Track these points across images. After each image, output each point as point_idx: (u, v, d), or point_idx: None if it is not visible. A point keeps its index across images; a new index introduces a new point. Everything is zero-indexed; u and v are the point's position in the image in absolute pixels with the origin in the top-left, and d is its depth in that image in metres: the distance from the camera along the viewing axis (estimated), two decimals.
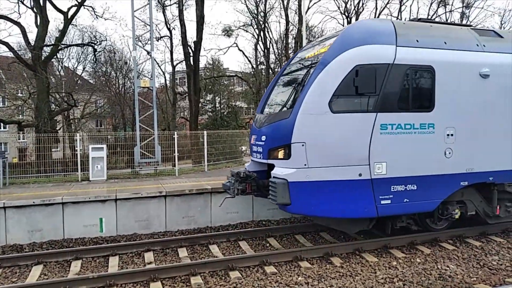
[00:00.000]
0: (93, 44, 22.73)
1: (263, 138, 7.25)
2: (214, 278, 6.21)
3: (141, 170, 13.20)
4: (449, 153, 7.13)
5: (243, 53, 42.68)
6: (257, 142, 7.52)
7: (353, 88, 6.52)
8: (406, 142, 6.83)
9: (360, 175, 6.61)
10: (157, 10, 24.93)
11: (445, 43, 7.25)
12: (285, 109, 7.18)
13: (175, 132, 13.06)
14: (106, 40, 30.42)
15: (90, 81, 36.28)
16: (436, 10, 29.20)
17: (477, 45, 7.54)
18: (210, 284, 5.99)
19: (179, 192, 9.31)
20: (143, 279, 6.09)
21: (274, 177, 6.70)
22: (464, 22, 28.99)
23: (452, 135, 7.15)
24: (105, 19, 36.43)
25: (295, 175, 6.45)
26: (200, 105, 27.28)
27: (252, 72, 33.61)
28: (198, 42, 22.26)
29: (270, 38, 31.01)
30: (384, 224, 7.62)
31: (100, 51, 27.52)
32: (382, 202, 6.77)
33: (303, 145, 6.46)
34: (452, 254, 7.06)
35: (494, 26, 29.80)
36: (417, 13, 31.01)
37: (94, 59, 27.91)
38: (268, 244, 7.92)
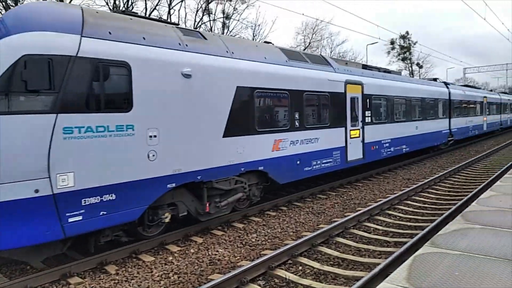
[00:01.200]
0: None
1: None
2: None
3: None
4: (153, 155, 6.77)
5: None
6: None
7: (21, 83, 5.37)
8: (100, 147, 6.06)
9: (36, 191, 5.47)
10: None
11: (144, 38, 6.84)
12: None
13: None
14: None
15: None
16: (202, 18, 31.88)
17: (180, 44, 7.44)
18: None
19: None
20: None
21: None
22: (225, 31, 32.79)
23: (155, 136, 6.78)
24: None
25: None
26: None
27: None
28: None
29: None
30: (87, 242, 6.68)
31: None
32: (71, 220, 5.79)
33: None
34: (221, 239, 7.83)
35: (249, 37, 34.91)
36: (185, 18, 33.06)
37: None
38: (29, 267, 6.73)
